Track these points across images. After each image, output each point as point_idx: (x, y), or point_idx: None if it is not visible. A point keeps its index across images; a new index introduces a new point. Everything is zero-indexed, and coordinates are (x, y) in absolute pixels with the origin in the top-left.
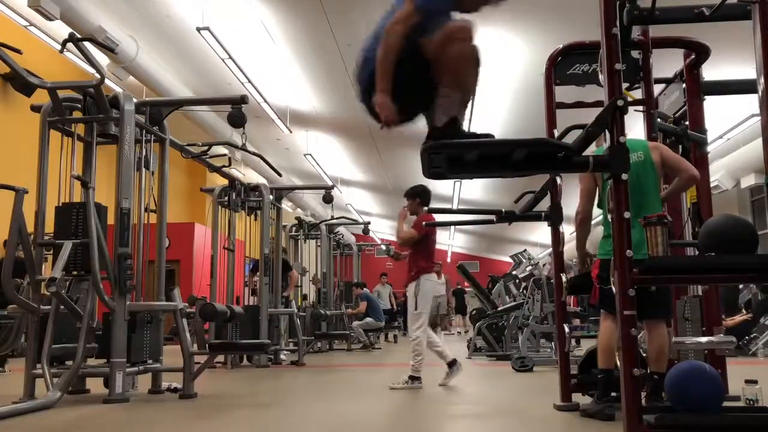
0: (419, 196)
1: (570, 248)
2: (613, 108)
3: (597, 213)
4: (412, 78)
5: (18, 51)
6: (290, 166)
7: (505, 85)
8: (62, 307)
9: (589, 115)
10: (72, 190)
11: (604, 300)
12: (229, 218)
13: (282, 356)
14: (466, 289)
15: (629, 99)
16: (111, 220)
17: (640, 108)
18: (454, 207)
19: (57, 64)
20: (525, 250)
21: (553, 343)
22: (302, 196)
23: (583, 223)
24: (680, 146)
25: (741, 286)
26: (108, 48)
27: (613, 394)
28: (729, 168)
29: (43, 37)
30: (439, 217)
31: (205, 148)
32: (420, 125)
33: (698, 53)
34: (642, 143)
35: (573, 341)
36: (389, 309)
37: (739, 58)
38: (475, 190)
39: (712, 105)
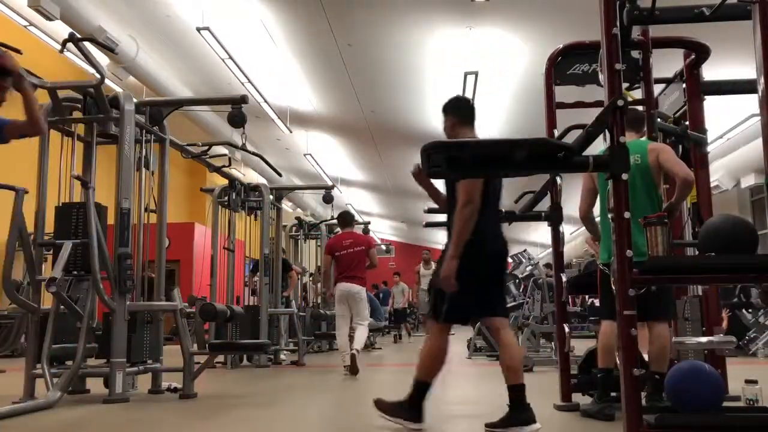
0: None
1: (569, 248)
2: (613, 108)
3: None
4: None
5: (18, 51)
6: (290, 166)
7: (505, 85)
8: (62, 307)
9: (589, 115)
10: (72, 190)
11: (603, 303)
12: (229, 218)
13: (282, 356)
14: None
15: (629, 99)
16: (111, 220)
17: (640, 108)
18: None
19: (57, 64)
20: (525, 250)
21: (553, 343)
22: (302, 196)
23: (583, 220)
24: (680, 146)
25: (741, 286)
26: (108, 48)
27: (613, 394)
28: (729, 168)
29: (43, 37)
30: (439, 218)
31: (205, 148)
32: (421, 126)
33: (698, 53)
34: (641, 146)
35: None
36: (401, 308)
37: (739, 58)
38: None
39: (712, 105)
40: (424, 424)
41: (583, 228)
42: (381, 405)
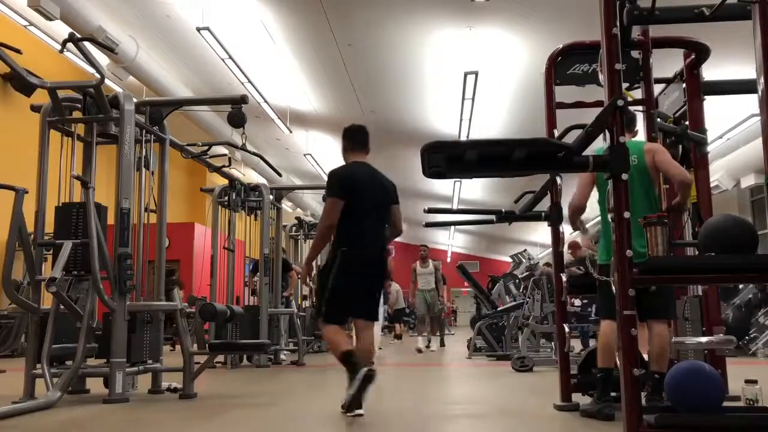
0: None
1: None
2: (613, 108)
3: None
4: None
5: (18, 51)
6: (290, 166)
7: (505, 85)
8: (62, 307)
9: (589, 115)
10: (72, 190)
11: (602, 302)
12: (229, 218)
13: (282, 356)
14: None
15: (629, 99)
16: (111, 220)
17: (640, 108)
18: (454, 207)
19: (57, 64)
20: (525, 250)
21: (553, 343)
22: (302, 196)
23: (576, 212)
24: (680, 146)
25: (741, 286)
26: (108, 48)
27: (613, 394)
28: (729, 168)
29: (43, 37)
30: (439, 218)
31: (205, 148)
32: (421, 126)
33: (698, 53)
34: (637, 146)
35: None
36: (399, 308)
37: (739, 58)
38: (475, 190)
39: (712, 105)
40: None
41: None
42: (346, 405)
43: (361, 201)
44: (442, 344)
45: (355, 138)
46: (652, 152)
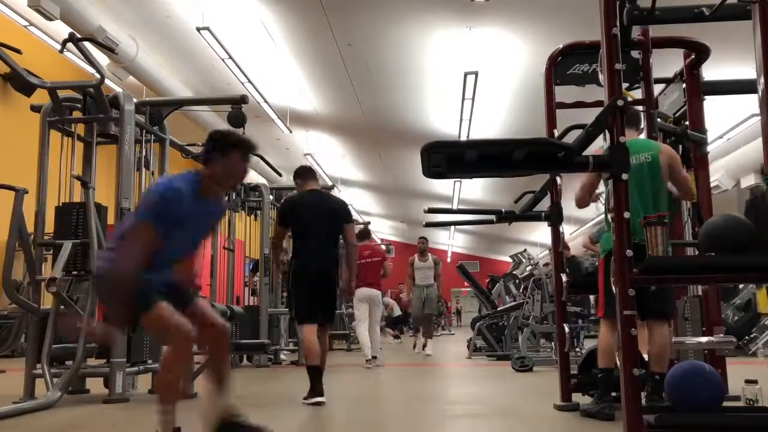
0: None
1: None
2: (612, 108)
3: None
4: None
5: (18, 51)
6: (290, 166)
7: (505, 85)
8: (62, 307)
9: (589, 115)
10: (72, 190)
11: (607, 298)
12: (229, 218)
13: (282, 356)
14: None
15: (629, 99)
16: (111, 220)
17: (640, 108)
18: (454, 207)
19: (57, 64)
20: (525, 250)
21: (553, 343)
22: None
23: (580, 207)
24: (680, 146)
25: (741, 286)
26: (108, 48)
27: (613, 394)
28: (729, 168)
29: (43, 37)
30: (439, 217)
31: None
32: (421, 125)
33: (698, 53)
34: (653, 145)
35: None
36: (396, 316)
37: (739, 58)
38: (475, 190)
39: (712, 105)
40: (324, 397)
41: (584, 228)
42: (305, 397)
43: (304, 224)
44: (424, 348)
45: (303, 175)
46: (668, 157)
